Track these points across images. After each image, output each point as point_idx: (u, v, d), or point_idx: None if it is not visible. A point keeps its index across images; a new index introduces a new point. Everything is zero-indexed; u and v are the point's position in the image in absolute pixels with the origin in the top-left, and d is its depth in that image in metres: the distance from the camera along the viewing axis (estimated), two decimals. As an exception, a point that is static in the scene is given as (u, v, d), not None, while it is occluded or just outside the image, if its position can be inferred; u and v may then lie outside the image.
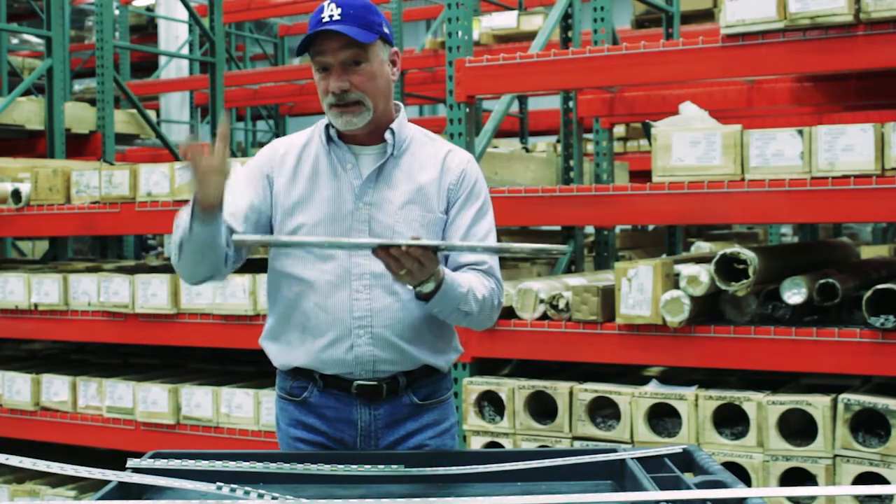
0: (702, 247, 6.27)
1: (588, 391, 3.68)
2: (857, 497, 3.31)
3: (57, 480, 4.94)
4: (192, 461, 2.10)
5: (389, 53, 2.37)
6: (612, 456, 2.14)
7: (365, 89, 2.30)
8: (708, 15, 8.58)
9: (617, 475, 2.11)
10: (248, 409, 4.39)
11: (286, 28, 14.35)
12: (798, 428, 3.48)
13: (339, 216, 2.34)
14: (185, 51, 12.77)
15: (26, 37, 14.69)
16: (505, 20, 8.79)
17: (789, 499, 3.39)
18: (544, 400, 3.77)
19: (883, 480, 3.22)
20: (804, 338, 3.39)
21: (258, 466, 2.06)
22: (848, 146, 3.33)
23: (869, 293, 3.31)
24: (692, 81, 4.85)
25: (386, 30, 2.35)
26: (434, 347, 2.41)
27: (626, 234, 7.02)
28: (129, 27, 12.93)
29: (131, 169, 4.68)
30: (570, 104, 5.48)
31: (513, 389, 3.79)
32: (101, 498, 1.93)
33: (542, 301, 3.80)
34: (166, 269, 5.17)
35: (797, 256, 4.31)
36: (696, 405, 3.51)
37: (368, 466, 2.10)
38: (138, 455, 2.13)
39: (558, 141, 6.03)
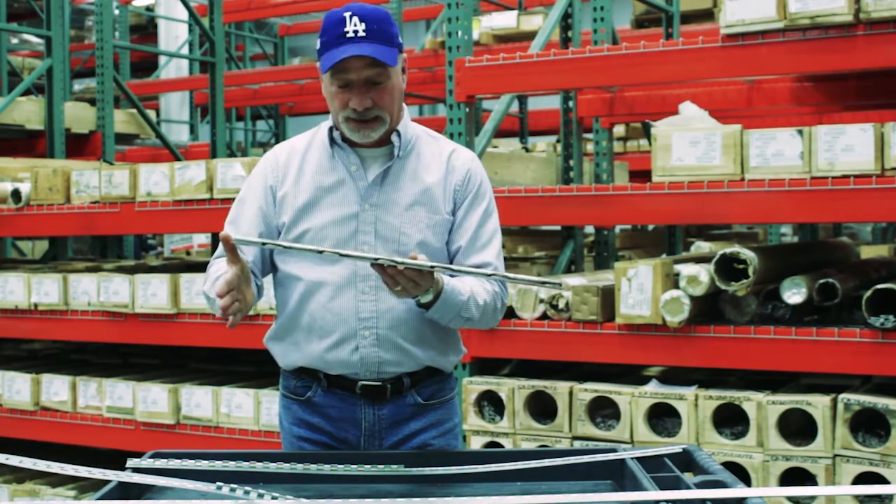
0: (702, 247, 6.27)
1: (588, 391, 3.68)
2: (857, 497, 3.31)
3: (57, 480, 4.94)
4: (192, 461, 2.10)
5: (403, 61, 2.36)
6: (612, 456, 2.14)
7: (384, 105, 2.29)
8: (708, 15, 8.58)
9: (617, 475, 2.11)
10: (248, 408, 4.39)
11: (286, 28, 14.35)
12: (798, 428, 3.48)
13: (345, 219, 2.34)
14: (185, 51, 12.77)
15: (26, 37, 14.69)
16: (505, 20, 8.79)
17: (789, 499, 3.39)
18: (544, 400, 3.77)
19: (883, 480, 3.22)
20: (804, 338, 3.39)
21: (258, 466, 2.06)
22: (848, 146, 3.33)
23: (869, 293, 3.31)
24: (692, 81, 4.85)
25: (400, 39, 2.33)
26: (438, 349, 2.41)
27: (625, 234, 7.02)
28: (129, 27, 12.93)
29: (131, 169, 4.68)
30: (570, 104, 5.48)
31: (513, 389, 3.79)
32: (101, 498, 1.93)
33: (541, 301, 3.80)
34: (166, 268, 5.18)
35: (797, 256, 4.31)
36: (695, 405, 3.51)
37: (368, 466, 2.10)
38: (138, 455, 2.13)
39: (558, 141, 6.03)
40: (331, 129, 2.38)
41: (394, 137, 2.36)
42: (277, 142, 13.22)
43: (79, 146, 7.15)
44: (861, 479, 3.28)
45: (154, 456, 2.13)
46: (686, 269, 3.55)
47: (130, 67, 12.60)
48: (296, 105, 12.42)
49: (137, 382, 4.68)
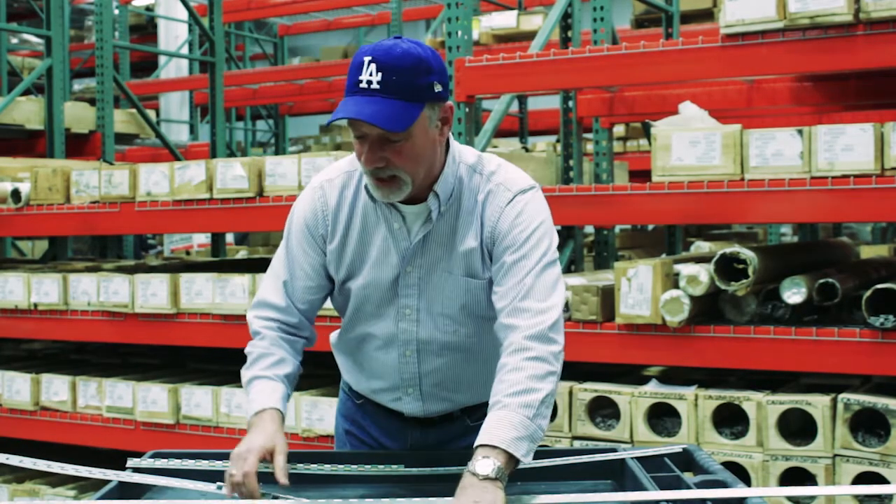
0: (701, 246, 6.27)
1: (588, 391, 3.68)
2: (856, 497, 3.31)
3: (57, 480, 4.93)
4: (192, 461, 2.11)
5: (441, 112, 2.07)
6: (612, 456, 2.14)
7: (401, 166, 2.03)
8: (708, 15, 8.58)
9: (617, 475, 2.11)
10: (247, 409, 4.38)
11: (286, 28, 14.35)
12: (798, 428, 3.48)
13: (387, 280, 2.21)
14: (185, 50, 12.77)
15: (26, 36, 14.69)
16: (505, 20, 8.79)
17: (789, 498, 3.39)
18: (544, 400, 3.77)
19: (883, 480, 3.22)
20: (804, 337, 3.39)
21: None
22: (847, 146, 3.33)
23: (869, 293, 3.31)
24: (692, 81, 4.85)
25: (438, 88, 2.03)
26: (486, 389, 2.20)
27: (625, 234, 7.02)
28: (128, 27, 12.93)
29: (131, 169, 4.68)
30: (570, 104, 5.48)
31: (513, 389, 3.78)
32: (101, 498, 1.94)
33: (541, 301, 3.79)
34: (166, 268, 5.17)
35: (797, 256, 4.31)
36: (695, 405, 3.51)
37: (368, 466, 2.10)
38: (138, 455, 2.13)
39: (558, 141, 6.03)
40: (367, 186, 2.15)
41: (431, 199, 2.13)
42: (277, 142, 13.24)
43: (79, 146, 7.15)
44: (861, 478, 3.28)
45: (154, 456, 2.13)
46: (686, 269, 3.55)
47: (130, 67, 12.61)
48: (295, 105, 12.42)
49: (137, 382, 4.68)
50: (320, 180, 2.25)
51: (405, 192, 2.08)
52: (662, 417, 3.62)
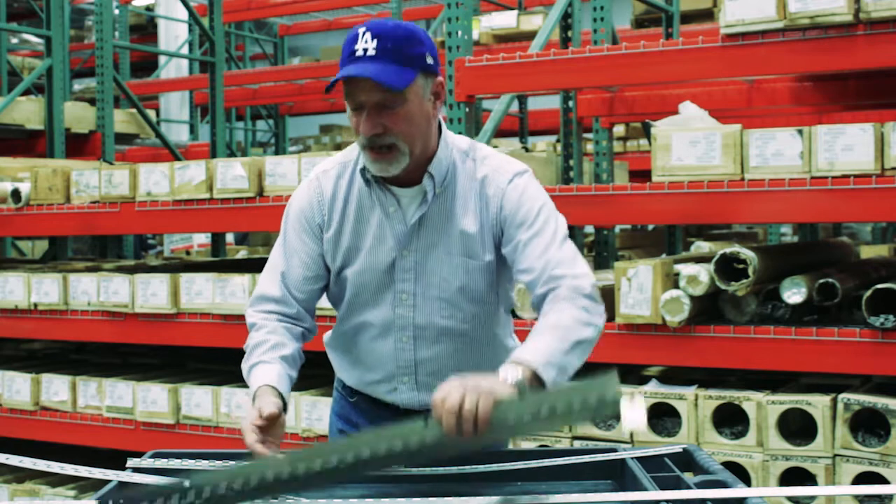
0: (701, 246, 6.27)
1: (588, 391, 3.67)
2: (856, 497, 3.31)
3: (57, 480, 4.93)
4: (192, 461, 2.10)
5: (433, 86, 2.13)
6: (612, 456, 2.14)
7: (400, 132, 2.08)
8: (708, 15, 8.58)
9: (617, 475, 2.11)
10: (247, 408, 4.38)
11: (286, 28, 14.34)
12: (798, 428, 3.48)
13: (384, 265, 2.22)
14: (185, 50, 12.77)
15: (26, 36, 14.69)
16: (505, 20, 8.79)
17: (789, 498, 3.39)
18: (544, 400, 3.77)
19: (883, 480, 3.22)
20: (804, 337, 3.39)
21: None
22: (848, 146, 3.33)
23: (869, 293, 3.31)
24: (692, 81, 4.85)
25: (430, 60, 2.10)
26: None
27: (625, 234, 7.02)
28: (128, 27, 12.92)
29: (131, 169, 4.68)
30: (570, 104, 5.48)
31: (513, 389, 3.78)
32: (101, 498, 1.93)
33: (541, 301, 3.79)
34: (166, 268, 5.17)
35: (797, 256, 4.31)
36: (695, 405, 3.51)
37: (368, 466, 2.09)
38: (138, 455, 2.13)
39: (558, 141, 6.03)
40: (364, 169, 2.20)
41: (426, 180, 2.17)
42: (277, 142, 13.24)
43: (79, 146, 7.15)
44: (861, 478, 3.28)
45: (154, 456, 2.13)
46: (686, 269, 3.55)
47: (130, 67, 12.60)
48: (295, 105, 12.42)
49: (137, 382, 4.68)
50: (316, 172, 2.29)
51: (402, 164, 2.11)
52: (662, 417, 3.62)
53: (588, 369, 4.08)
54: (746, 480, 3.39)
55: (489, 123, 4.45)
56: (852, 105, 5.19)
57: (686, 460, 2.12)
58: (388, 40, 2.04)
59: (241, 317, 4.26)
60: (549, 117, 9.49)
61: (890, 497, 3.27)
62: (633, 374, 3.96)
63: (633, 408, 1.69)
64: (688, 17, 8.07)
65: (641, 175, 4.62)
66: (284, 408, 2.14)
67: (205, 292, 4.40)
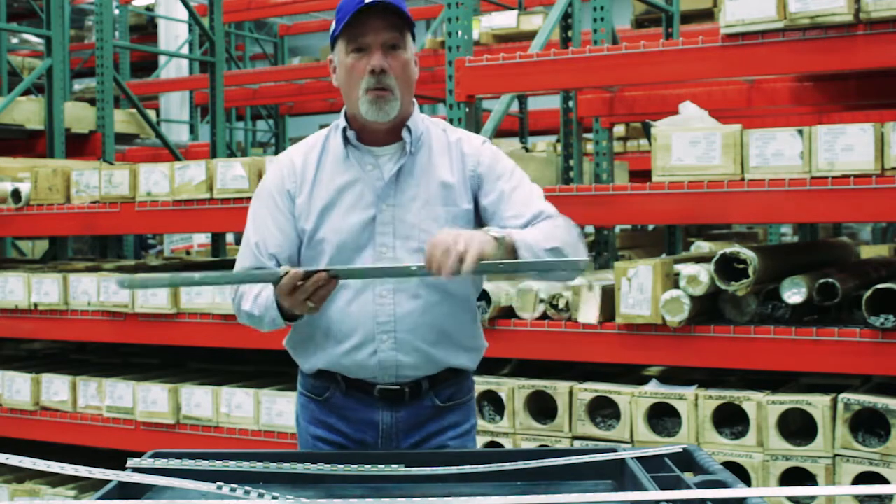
0: (702, 246, 6.27)
1: (588, 391, 3.68)
2: (857, 497, 3.31)
3: (57, 480, 4.94)
4: (192, 461, 2.10)
5: (414, 51, 2.35)
6: (612, 456, 2.14)
7: (398, 77, 2.27)
8: (708, 15, 8.58)
9: (617, 475, 2.11)
10: (248, 408, 4.39)
11: (286, 28, 14.35)
12: (798, 428, 3.48)
13: (363, 220, 2.31)
14: (185, 50, 12.77)
15: (26, 36, 14.69)
16: (505, 20, 8.78)
17: (789, 498, 3.39)
18: (544, 399, 3.77)
19: (883, 480, 3.22)
20: (804, 337, 3.39)
21: (258, 466, 2.06)
22: (848, 146, 3.33)
23: (869, 293, 3.31)
24: (692, 81, 4.85)
25: (413, 28, 2.34)
26: (459, 347, 2.39)
27: (626, 234, 7.03)
28: (128, 27, 12.93)
29: (131, 169, 4.68)
30: (570, 104, 5.48)
31: (513, 389, 3.79)
32: (101, 498, 1.93)
33: (542, 300, 3.80)
34: (166, 268, 5.18)
35: (797, 256, 4.31)
36: (695, 405, 3.51)
37: (368, 466, 2.10)
38: (138, 455, 2.13)
39: (558, 141, 6.04)
40: (344, 129, 2.35)
41: (405, 133, 2.33)
42: (277, 142, 13.24)
43: (79, 146, 7.15)
44: (861, 478, 3.28)
45: (154, 456, 2.13)
46: (686, 269, 3.55)
47: (130, 67, 12.60)
48: (296, 105, 12.41)
49: (137, 382, 4.68)
50: (284, 153, 2.45)
51: (395, 111, 2.27)
52: (662, 417, 3.62)
53: (590, 369, 4.03)
54: (746, 480, 3.39)
55: (489, 123, 4.45)
56: (852, 105, 5.19)
57: (686, 460, 2.12)
58: None
59: (241, 317, 4.28)
60: (549, 117, 9.49)
61: (890, 497, 3.27)
62: (633, 374, 3.96)
63: (589, 300, 2.07)
64: (688, 17, 8.06)
65: (641, 175, 4.62)
66: None
67: (205, 292, 4.41)
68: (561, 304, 3.77)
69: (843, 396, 3.33)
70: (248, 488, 1.86)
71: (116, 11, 11.49)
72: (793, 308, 3.55)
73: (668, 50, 3.75)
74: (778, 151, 3.44)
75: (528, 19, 8.71)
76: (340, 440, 2.41)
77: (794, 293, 3.49)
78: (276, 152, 13.14)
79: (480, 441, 3.85)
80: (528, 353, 3.85)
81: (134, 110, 7.72)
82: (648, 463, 2.07)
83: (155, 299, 4.53)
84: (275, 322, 2.28)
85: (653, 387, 3.63)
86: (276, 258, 2.35)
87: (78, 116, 7.09)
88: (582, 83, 4.61)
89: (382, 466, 2.10)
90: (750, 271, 3.45)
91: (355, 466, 2.09)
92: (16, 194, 5.00)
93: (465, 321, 2.38)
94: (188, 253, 9.58)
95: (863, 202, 3.33)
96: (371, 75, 2.24)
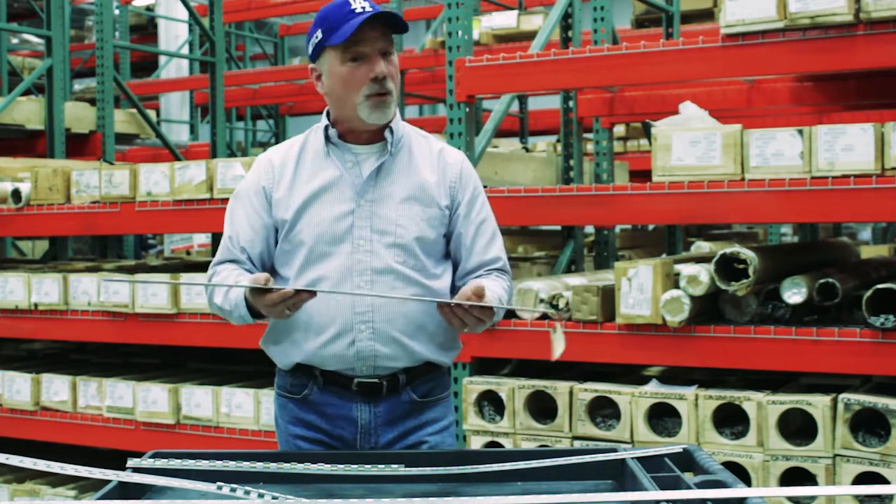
0: (702, 246, 6.27)
1: (588, 391, 3.68)
2: (857, 497, 3.31)
3: (57, 480, 4.94)
4: (192, 461, 2.10)
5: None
6: (612, 456, 2.14)
7: (394, 79, 2.35)
8: (708, 15, 8.58)
9: (617, 475, 2.11)
10: (248, 408, 4.39)
11: (286, 28, 14.33)
12: (798, 428, 3.48)
13: (341, 215, 2.36)
14: (185, 50, 12.77)
15: (26, 36, 14.68)
16: (505, 20, 8.78)
17: (789, 499, 3.39)
18: (544, 400, 3.77)
19: (883, 480, 3.22)
20: (804, 337, 3.39)
21: (258, 466, 2.06)
22: (848, 146, 3.33)
23: (869, 293, 3.31)
24: (692, 81, 4.85)
25: None
26: (436, 342, 2.43)
27: (626, 234, 7.02)
28: (129, 27, 12.92)
29: (131, 169, 4.68)
30: (570, 104, 5.48)
31: (513, 389, 3.79)
32: (101, 498, 1.93)
33: (542, 301, 3.80)
34: (166, 268, 5.18)
35: (797, 256, 4.31)
36: (696, 405, 3.51)
37: (368, 466, 2.10)
38: (138, 455, 2.13)
39: (558, 141, 6.03)
40: (326, 128, 2.41)
41: (387, 133, 2.39)
42: (277, 142, 13.23)
43: (79, 146, 7.15)
44: (861, 478, 3.28)
45: (154, 456, 2.13)
46: (686, 269, 3.55)
47: (130, 67, 12.60)
48: (296, 105, 12.42)
49: (137, 382, 4.68)
50: (263, 154, 2.51)
51: (391, 112, 2.35)
52: (662, 417, 3.62)
53: (590, 369, 4.05)
54: (746, 480, 3.39)
55: (489, 123, 4.45)
56: (852, 105, 5.19)
57: (686, 460, 2.12)
58: (373, 2, 2.33)
59: (242, 317, 4.28)
60: (549, 117, 9.49)
61: (890, 497, 3.27)
62: (633, 374, 3.96)
63: (558, 338, 2.38)
64: (688, 17, 8.06)
65: (641, 175, 4.62)
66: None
67: (205, 292, 4.40)
68: (561, 304, 3.77)
69: (844, 396, 3.33)
70: (248, 488, 1.86)
71: (116, 11, 11.49)
72: (793, 308, 3.54)
73: (668, 50, 3.75)
74: (778, 151, 3.44)
75: (529, 19, 8.71)
76: (320, 437, 2.43)
77: (794, 293, 3.49)
78: (277, 152, 13.14)
79: (480, 441, 3.85)
80: (528, 353, 3.85)
81: (134, 110, 7.72)
82: (648, 463, 2.07)
83: (155, 299, 4.53)
84: (243, 319, 2.36)
85: (653, 387, 3.63)
86: (247, 252, 2.43)
87: (78, 116, 7.09)
88: (582, 83, 4.61)
89: (382, 466, 2.10)
90: (750, 271, 3.45)
91: (355, 466, 2.09)
92: (16, 194, 5.00)
93: (441, 319, 2.39)
94: (188, 253, 9.57)
95: (863, 202, 3.33)
96: (374, 82, 2.30)
